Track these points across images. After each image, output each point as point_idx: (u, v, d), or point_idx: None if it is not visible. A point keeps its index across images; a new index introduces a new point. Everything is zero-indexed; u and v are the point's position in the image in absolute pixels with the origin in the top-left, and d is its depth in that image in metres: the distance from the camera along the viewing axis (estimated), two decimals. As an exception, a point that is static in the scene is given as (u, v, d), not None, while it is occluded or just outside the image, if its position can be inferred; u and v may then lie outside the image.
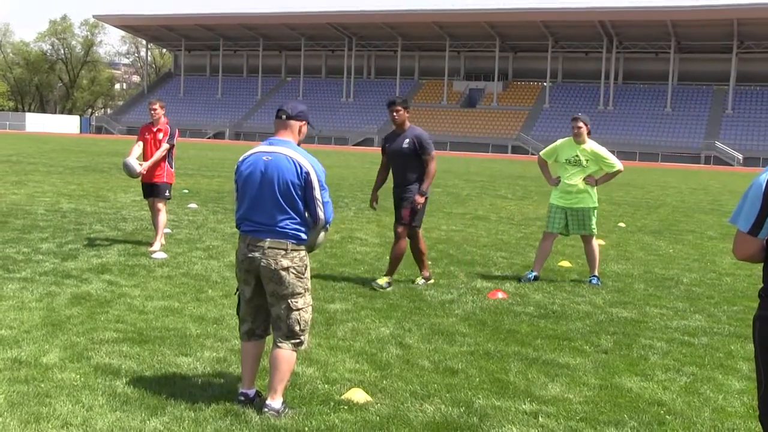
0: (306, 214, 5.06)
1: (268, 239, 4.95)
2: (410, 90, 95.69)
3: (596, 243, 10.38)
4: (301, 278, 5.02)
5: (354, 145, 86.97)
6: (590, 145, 10.15)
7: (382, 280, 9.16)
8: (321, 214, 5.01)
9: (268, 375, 5.09)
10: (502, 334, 7.31)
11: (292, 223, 4.98)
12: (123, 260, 10.15)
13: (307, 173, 4.96)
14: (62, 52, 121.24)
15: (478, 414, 5.18)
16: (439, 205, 19.86)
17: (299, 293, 5.01)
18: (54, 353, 6.06)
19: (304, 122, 5.22)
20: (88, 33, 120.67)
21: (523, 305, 8.57)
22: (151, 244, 11.19)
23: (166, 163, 11.39)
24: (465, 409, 5.27)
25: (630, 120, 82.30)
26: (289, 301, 4.98)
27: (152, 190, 11.43)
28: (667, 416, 5.34)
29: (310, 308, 5.11)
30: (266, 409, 4.93)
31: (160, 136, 11.28)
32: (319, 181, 5.00)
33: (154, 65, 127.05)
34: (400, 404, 5.29)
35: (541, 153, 10.54)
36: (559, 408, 5.37)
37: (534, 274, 10.12)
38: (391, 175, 9.54)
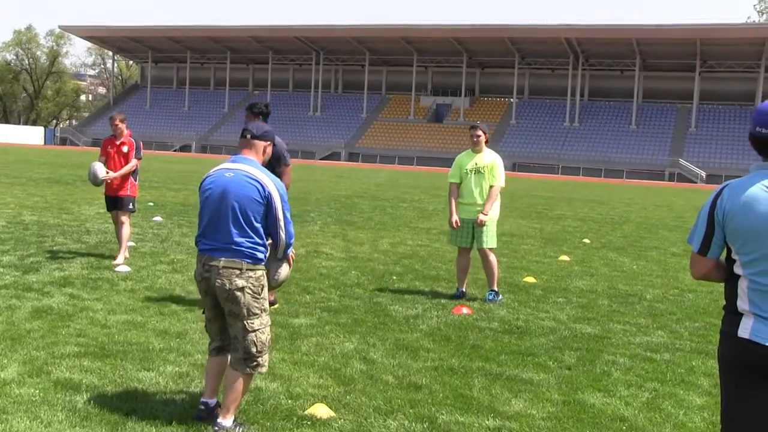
0: (263, 234, 5.01)
1: (223, 259, 4.89)
2: (378, 104, 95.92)
3: (494, 258, 9.90)
4: (257, 298, 4.93)
5: (321, 159, 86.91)
6: (489, 154, 9.89)
7: None
8: (282, 234, 4.99)
9: (223, 392, 5.04)
10: (466, 349, 7.33)
11: (248, 242, 4.91)
12: (86, 273, 10.04)
13: (270, 193, 4.93)
14: (27, 62, 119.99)
15: (441, 430, 5.18)
16: (405, 220, 19.89)
17: (255, 314, 4.92)
18: (12, 368, 5.97)
19: (269, 143, 5.20)
20: (54, 43, 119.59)
21: (487, 321, 8.59)
22: (114, 258, 11.08)
23: (130, 176, 11.33)
24: (428, 424, 5.26)
25: (595, 137, 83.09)
26: (245, 322, 4.90)
27: (116, 203, 11.35)
28: (629, 432, 5.38)
29: (267, 329, 5.01)
30: (216, 428, 4.87)
31: (125, 149, 11.22)
32: (281, 201, 4.98)
33: (120, 77, 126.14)
34: (364, 420, 5.28)
35: (449, 179, 10.11)
36: (522, 424, 5.39)
37: (461, 290, 9.94)
38: None
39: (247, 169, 4.99)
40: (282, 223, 4.98)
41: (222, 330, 5.11)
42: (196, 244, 5.15)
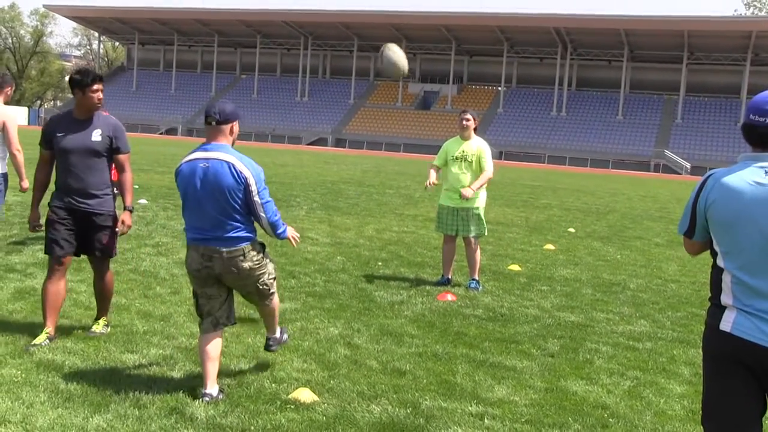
0: (249, 215, 5.15)
1: (225, 249, 5.04)
2: (365, 91, 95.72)
3: (478, 247, 9.89)
4: (261, 265, 5.24)
5: (308, 144, 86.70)
6: (476, 141, 9.80)
7: None
8: (262, 214, 5.08)
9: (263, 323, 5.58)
10: (450, 336, 7.35)
11: (238, 227, 5.07)
12: (69, 255, 9.98)
13: (246, 178, 5.00)
14: (10, 41, 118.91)
15: (424, 415, 5.20)
16: (392, 207, 19.89)
17: (261, 273, 5.26)
18: (-5, 348, 5.95)
19: (234, 122, 5.22)
20: (38, 23, 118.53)
21: (472, 308, 8.62)
22: None
23: None
24: (412, 410, 5.28)
25: (582, 126, 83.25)
26: (256, 284, 5.27)
27: None
28: (610, 419, 5.41)
29: (273, 272, 5.41)
30: (270, 343, 5.80)
31: None
32: (257, 183, 5.04)
33: (106, 58, 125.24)
34: (347, 404, 5.29)
35: (433, 162, 10.10)
36: (505, 410, 5.41)
37: (446, 277, 9.93)
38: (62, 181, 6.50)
39: (220, 156, 5.04)
40: (259, 205, 5.06)
41: (220, 305, 5.26)
42: (185, 230, 5.26)
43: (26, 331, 6.47)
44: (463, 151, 9.71)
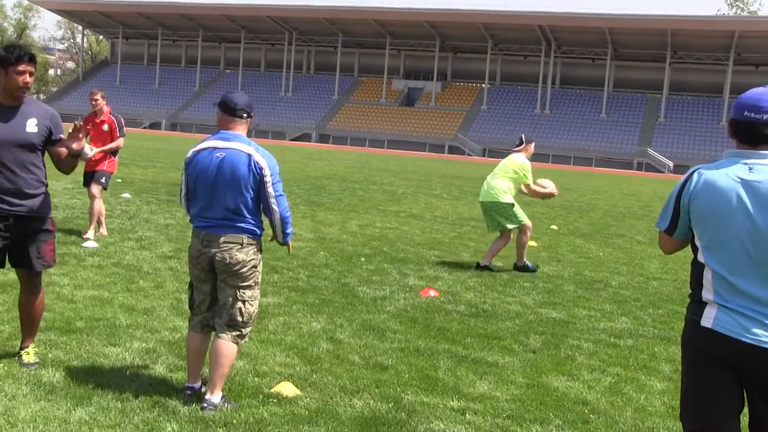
0: (260, 209, 5.07)
1: (223, 235, 4.95)
2: (349, 87, 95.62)
3: (510, 237, 11.32)
4: (254, 271, 5.05)
5: (291, 140, 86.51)
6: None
7: None
8: (275, 207, 4.98)
9: (209, 368, 5.06)
10: (432, 331, 7.38)
11: (246, 218, 4.99)
12: (52, 249, 9.94)
13: (261, 168, 4.94)
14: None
15: (406, 410, 5.23)
16: (375, 203, 19.91)
17: (249, 285, 5.04)
18: (-23, 341, 5.93)
19: (252, 115, 5.22)
20: (22, 16, 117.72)
21: (454, 303, 8.66)
22: (84, 232, 11.09)
23: (110, 152, 11.42)
24: (393, 404, 5.31)
25: (566, 124, 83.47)
26: (237, 291, 5.00)
27: (91, 176, 11.39)
28: (591, 415, 5.46)
29: (256, 302, 5.12)
30: (205, 404, 4.92)
31: (105, 127, 11.28)
32: (272, 174, 4.98)
33: (90, 52, 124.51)
34: (329, 398, 5.32)
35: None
36: (487, 405, 5.45)
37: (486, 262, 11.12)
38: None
39: (237, 146, 4.99)
40: (273, 197, 4.98)
41: (212, 304, 5.14)
42: (190, 221, 5.18)
43: (8, 324, 6.45)
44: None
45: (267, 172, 4.95)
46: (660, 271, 12.18)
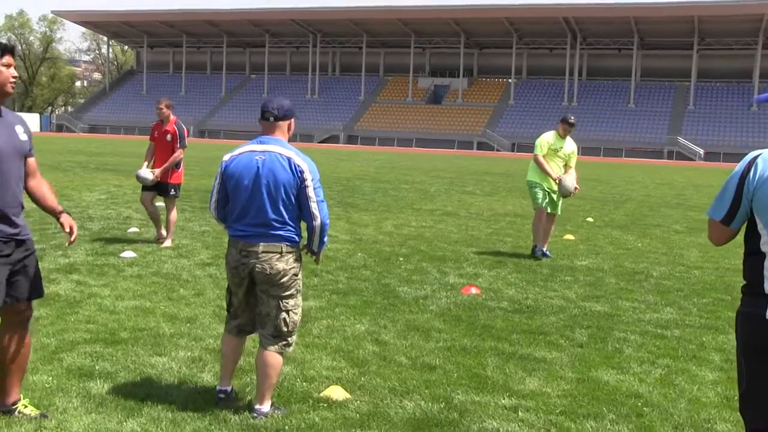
0: (299, 215, 4.93)
1: (262, 244, 4.82)
2: (375, 87, 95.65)
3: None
4: (295, 279, 4.93)
5: (320, 142, 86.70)
6: (570, 143, 11.95)
7: None
8: (316, 213, 4.83)
9: (256, 378, 5.01)
10: (477, 329, 7.31)
11: (286, 225, 4.85)
12: (91, 260, 10.00)
13: (302, 171, 4.81)
14: (20, 48, 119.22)
15: (458, 409, 5.17)
16: (408, 202, 19.86)
17: (291, 294, 4.92)
18: (25, 355, 5.94)
19: (292, 119, 5.08)
20: (47, 29, 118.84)
21: (496, 300, 8.58)
22: (161, 240, 11.56)
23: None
24: (445, 404, 5.25)
25: (594, 116, 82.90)
26: (279, 301, 4.89)
27: (158, 188, 11.66)
28: (645, 408, 5.37)
29: (299, 309, 5.02)
30: (255, 414, 4.87)
31: (168, 138, 11.49)
32: (313, 179, 4.84)
33: (115, 62, 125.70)
34: (380, 401, 5.27)
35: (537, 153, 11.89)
36: (538, 402, 5.38)
37: (540, 248, 11.66)
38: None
39: (277, 149, 4.88)
40: (314, 202, 4.83)
41: (249, 310, 5.06)
42: (224, 226, 5.07)
43: (54, 337, 6.46)
44: (563, 148, 11.80)
45: (308, 176, 4.82)
46: (701, 260, 12.01)
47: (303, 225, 4.96)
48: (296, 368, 5.88)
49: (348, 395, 5.30)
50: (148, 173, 11.39)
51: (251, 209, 4.85)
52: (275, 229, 4.83)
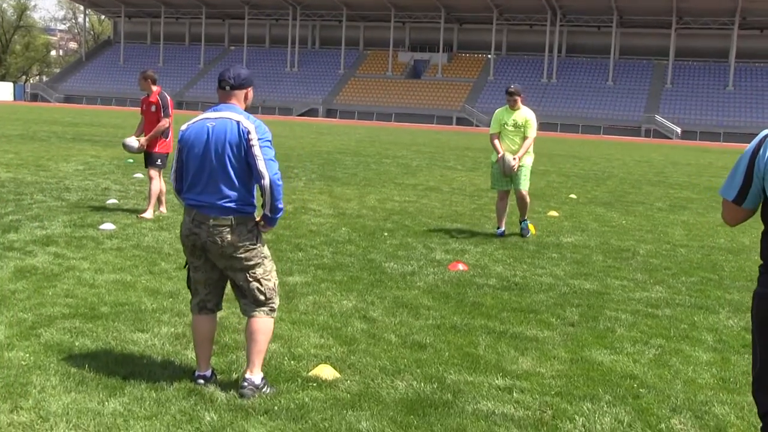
0: (251, 184, 4.79)
1: (212, 216, 4.70)
2: (355, 60, 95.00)
3: (527, 196, 11.36)
4: (254, 248, 4.79)
5: (299, 115, 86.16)
6: (524, 111, 11.22)
7: None
8: (264, 170, 4.65)
9: (246, 347, 4.85)
10: (466, 306, 7.16)
11: (237, 195, 4.72)
12: (69, 232, 9.75)
13: (248, 132, 4.68)
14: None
15: (451, 390, 5.02)
16: (391, 176, 19.66)
17: (256, 263, 4.81)
18: None
19: (249, 88, 4.96)
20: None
21: (485, 277, 8.43)
22: (143, 212, 11.41)
23: (161, 134, 11.59)
24: (438, 384, 5.10)
25: (573, 93, 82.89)
26: (246, 273, 4.79)
27: (146, 158, 11.68)
28: (641, 389, 5.25)
29: (272, 275, 4.90)
30: (245, 383, 4.72)
31: (153, 108, 11.50)
32: (260, 139, 4.69)
33: (92, 32, 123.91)
34: (371, 381, 5.10)
35: (490, 131, 11.40)
36: (533, 383, 5.24)
37: (502, 230, 11.26)
38: None
39: (228, 115, 4.78)
40: (260, 159, 4.66)
41: (206, 284, 4.91)
42: (178, 197, 4.93)
43: (30, 312, 6.24)
44: (514, 120, 11.13)
45: (254, 135, 4.68)
46: (686, 237, 11.94)
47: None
48: (283, 346, 5.70)
49: (338, 374, 5.13)
50: (134, 141, 11.39)
51: (202, 177, 4.74)
52: (226, 200, 4.70)
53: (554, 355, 5.87)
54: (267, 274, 4.86)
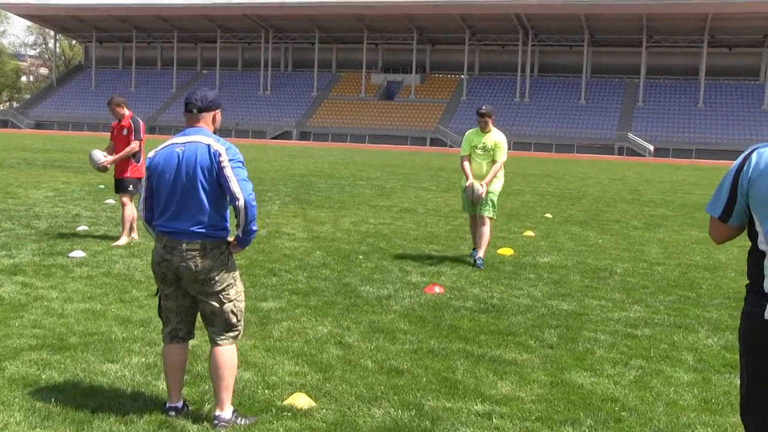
0: (225, 205, 4.69)
1: (185, 241, 4.59)
2: (328, 82, 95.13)
3: (489, 226, 10.80)
4: (227, 271, 4.70)
5: (272, 138, 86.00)
6: (495, 134, 10.88)
7: None
8: (238, 192, 4.55)
9: (212, 383, 4.71)
10: (443, 330, 7.05)
11: (210, 219, 4.61)
12: (38, 260, 9.55)
13: (219, 153, 4.58)
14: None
15: (429, 417, 4.90)
16: (365, 198, 19.56)
17: (229, 284, 4.71)
18: (-36, 363, 5.54)
19: (217, 110, 4.85)
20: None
21: (461, 299, 8.33)
22: (117, 240, 11.22)
23: (132, 158, 11.35)
24: (416, 411, 4.98)
25: (545, 112, 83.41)
26: (220, 295, 4.68)
27: (117, 185, 11.47)
28: (623, 413, 5.16)
29: (242, 295, 4.83)
30: (216, 422, 4.58)
31: (125, 132, 11.28)
32: (231, 159, 4.59)
33: (63, 57, 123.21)
34: (347, 409, 4.98)
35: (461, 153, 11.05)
36: (512, 408, 5.13)
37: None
38: None
39: (197, 138, 4.67)
40: (233, 180, 4.56)
41: (178, 311, 4.79)
42: (147, 227, 4.82)
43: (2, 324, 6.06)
44: (484, 143, 10.76)
45: (224, 157, 4.58)
46: (662, 255, 11.92)
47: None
48: (257, 374, 5.56)
49: (313, 403, 5.00)
50: (100, 155, 11.12)
51: (173, 203, 4.63)
52: (199, 226, 4.60)
53: (533, 379, 5.77)
54: (239, 294, 4.79)
